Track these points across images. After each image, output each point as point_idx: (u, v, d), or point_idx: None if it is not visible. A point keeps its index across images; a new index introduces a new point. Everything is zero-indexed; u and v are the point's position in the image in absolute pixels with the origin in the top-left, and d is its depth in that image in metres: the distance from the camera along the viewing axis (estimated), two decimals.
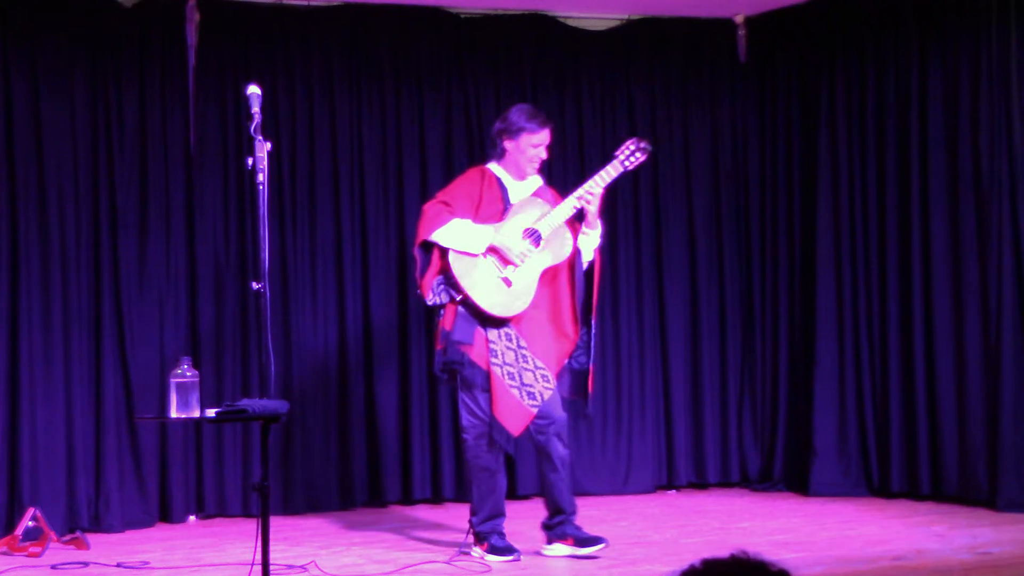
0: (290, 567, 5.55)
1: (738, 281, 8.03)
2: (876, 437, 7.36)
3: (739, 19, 8.02)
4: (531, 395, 5.57)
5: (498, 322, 5.59)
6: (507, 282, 5.60)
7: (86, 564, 5.74)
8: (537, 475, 5.95)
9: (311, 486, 7.19)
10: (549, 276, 5.70)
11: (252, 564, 4.71)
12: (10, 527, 6.24)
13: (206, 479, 7.00)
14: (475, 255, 5.57)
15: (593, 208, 5.66)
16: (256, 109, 4.80)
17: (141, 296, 6.84)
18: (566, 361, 5.75)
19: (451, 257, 5.56)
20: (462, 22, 7.60)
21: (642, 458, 7.75)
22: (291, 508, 7.09)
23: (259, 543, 4.52)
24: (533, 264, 5.63)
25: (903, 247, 7.24)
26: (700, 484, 7.88)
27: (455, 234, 5.58)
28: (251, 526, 5.63)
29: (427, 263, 5.63)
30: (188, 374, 4.73)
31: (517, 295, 5.60)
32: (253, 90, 4.86)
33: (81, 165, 6.71)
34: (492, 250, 5.59)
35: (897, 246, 7.27)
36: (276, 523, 5.63)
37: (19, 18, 6.62)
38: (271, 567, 4.59)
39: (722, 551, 2.15)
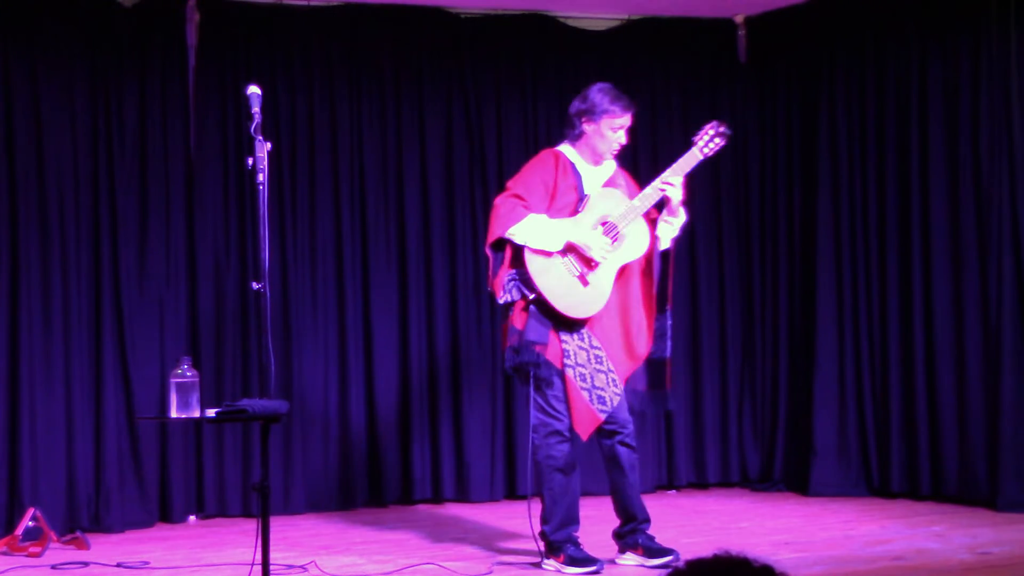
0: (290, 567, 5.55)
1: (738, 281, 8.03)
2: (876, 437, 7.36)
3: (739, 19, 8.02)
4: (601, 399, 5.37)
5: (572, 322, 5.35)
6: (583, 281, 5.34)
7: (86, 564, 5.75)
8: (605, 480, 5.69)
9: (311, 486, 7.20)
10: (623, 272, 5.45)
11: (252, 564, 4.71)
12: (10, 527, 6.24)
13: (206, 479, 7.00)
14: (552, 253, 5.33)
15: (677, 195, 5.40)
16: (256, 109, 4.79)
17: (141, 296, 6.84)
18: (642, 364, 5.51)
19: (527, 255, 5.29)
20: (462, 22, 7.60)
21: (642, 458, 7.70)
22: (291, 508, 7.09)
23: (259, 543, 4.52)
24: (610, 262, 5.37)
25: (903, 247, 7.24)
26: (700, 484, 7.88)
27: (532, 231, 5.30)
28: (251, 526, 5.64)
29: (500, 261, 5.37)
30: (188, 374, 4.73)
31: (594, 295, 5.34)
32: (253, 90, 4.85)
33: (81, 165, 6.71)
34: (570, 248, 5.33)
35: (897, 246, 7.28)
36: (276, 523, 5.63)
37: (19, 18, 6.62)
38: (271, 567, 4.59)
39: (710, 551, 2.16)
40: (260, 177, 4.69)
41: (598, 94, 5.44)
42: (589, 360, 5.37)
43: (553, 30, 7.75)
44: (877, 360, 7.37)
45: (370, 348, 7.33)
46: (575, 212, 5.39)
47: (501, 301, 5.39)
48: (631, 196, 5.48)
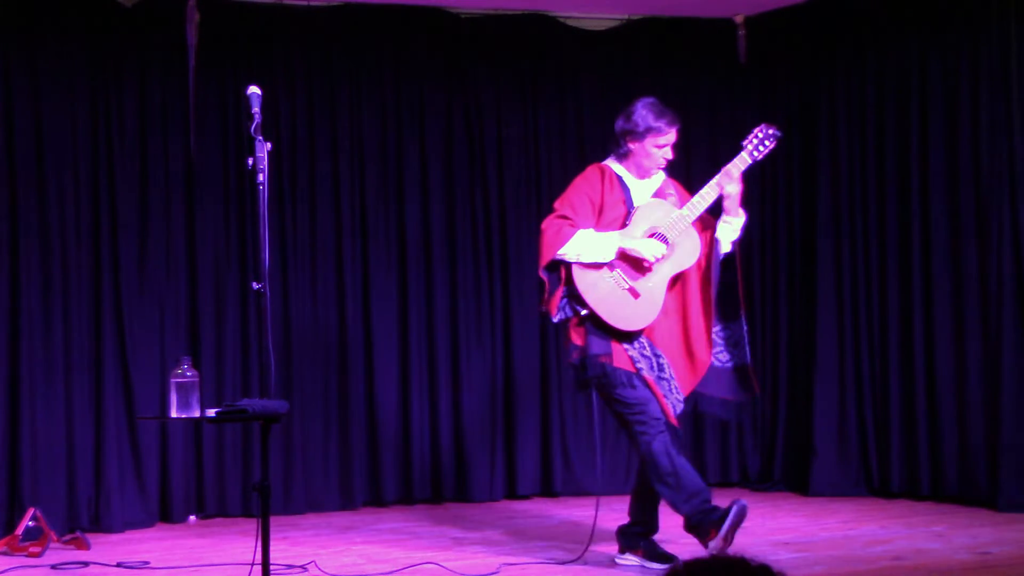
0: (290, 567, 5.55)
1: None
2: (876, 437, 7.36)
3: (739, 19, 8.02)
4: (675, 400, 5.42)
5: (629, 335, 5.33)
6: (634, 293, 5.33)
7: (86, 564, 5.75)
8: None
9: (311, 486, 7.20)
10: (679, 280, 5.45)
11: (252, 564, 4.71)
12: (10, 527, 6.24)
13: (206, 479, 7.00)
14: (602, 267, 5.30)
15: (735, 191, 5.35)
16: (256, 109, 4.78)
17: (141, 296, 6.84)
18: (704, 373, 5.47)
19: (575, 272, 5.29)
20: (462, 22, 7.60)
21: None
22: (291, 508, 7.09)
23: (259, 543, 4.52)
24: (660, 271, 5.36)
25: (903, 247, 7.24)
26: None
27: (582, 247, 5.29)
28: (251, 526, 5.64)
29: (556, 281, 5.34)
30: (188, 374, 4.72)
31: (645, 306, 5.33)
32: (253, 90, 4.84)
33: (81, 165, 6.71)
34: (621, 256, 5.31)
35: (897, 246, 7.28)
36: (276, 523, 5.62)
37: (19, 18, 6.62)
38: (271, 567, 4.59)
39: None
40: (260, 177, 4.69)
41: (642, 112, 5.40)
42: (652, 368, 5.38)
43: (553, 30, 7.75)
44: (877, 360, 7.37)
45: (370, 348, 7.33)
46: (624, 226, 5.38)
47: (556, 320, 5.37)
48: (681, 205, 5.45)
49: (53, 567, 5.69)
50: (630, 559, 5.53)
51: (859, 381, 7.44)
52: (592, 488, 7.50)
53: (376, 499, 7.34)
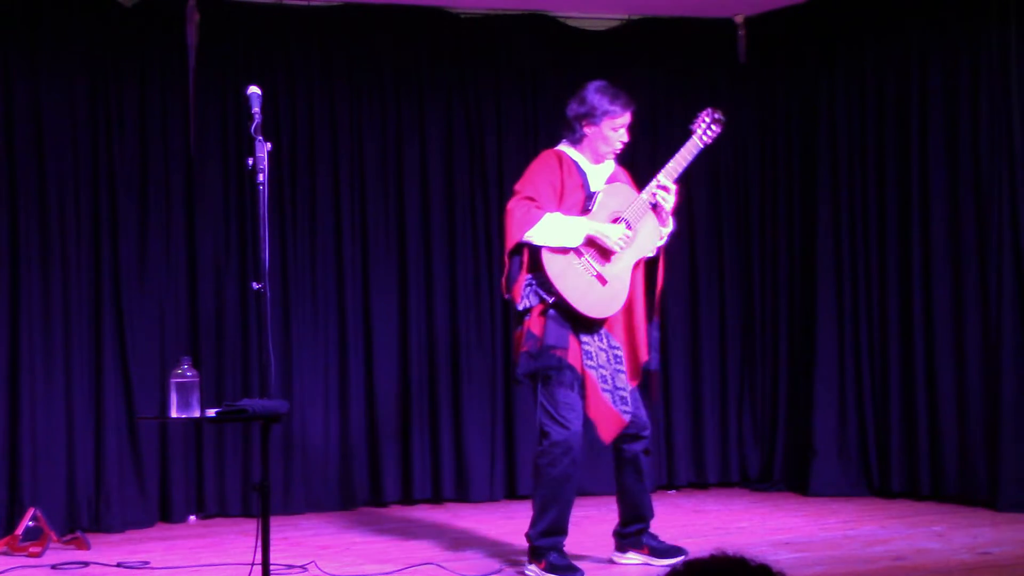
0: (290, 567, 5.55)
1: (738, 281, 8.03)
2: (876, 437, 7.36)
3: (739, 19, 8.02)
4: (623, 400, 5.32)
5: (591, 323, 5.27)
6: (601, 280, 5.24)
7: (86, 564, 5.75)
8: (611, 480, 5.60)
9: (311, 486, 7.20)
10: (636, 269, 5.39)
11: (252, 564, 4.71)
12: (10, 527, 6.24)
13: (206, 479, 7.00)
14: (569, 251, 5.19)
15: (670, 202, 5.34)
16: (256, 109, 4.78)
17: (141, 296, 6.84)
18: (645, 359, 5.44)
19: (545, 257, 5.18)
20: (462, 22, 7.60)
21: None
22: (291, 508, 7.09)
23: (259, 543, 4.52)
24: (624, 258, 5.29)
25: (903, 247, 7.24)
26: (700, 484, 7.88)
27: (550, 230, 5.18)
28: (251, 526, 5.64)
29: (518, 266, 5.24)
30: (188, 374, 4.73)
31: (612, 293, 5.26)
32: (253, 90, 4.84)
33: (81, 165, 6.71)
34: (589, 242, 5.23)
35: (897, 246, 7.28)
36: (276, 523, 5.63)
37: (19, 18, 6.62)
38: (271, 567, 4.59)
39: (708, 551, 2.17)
40: (260, 177, 4.69)
41: (596, 95, 5.38)
42: (609, 360, 5.34)
43: (553, 30, 7.75)
44: (877, 360, 7.37)
45: (370, 348, 7.33)
46: (584, 211, 5.32)
47: (521, 308, 5.25)
48: (637, 191, 5.44)
49: (53, 567, 5.69)
50: (633, 557, 5.52)
51: (859, 381, 7.44)
52: (594, 487, 7.51)
53: (376, 499, 7.34)
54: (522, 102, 7.69)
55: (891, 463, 7.26)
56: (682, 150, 5.44)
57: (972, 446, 6.88)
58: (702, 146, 5.47)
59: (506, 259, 5.28)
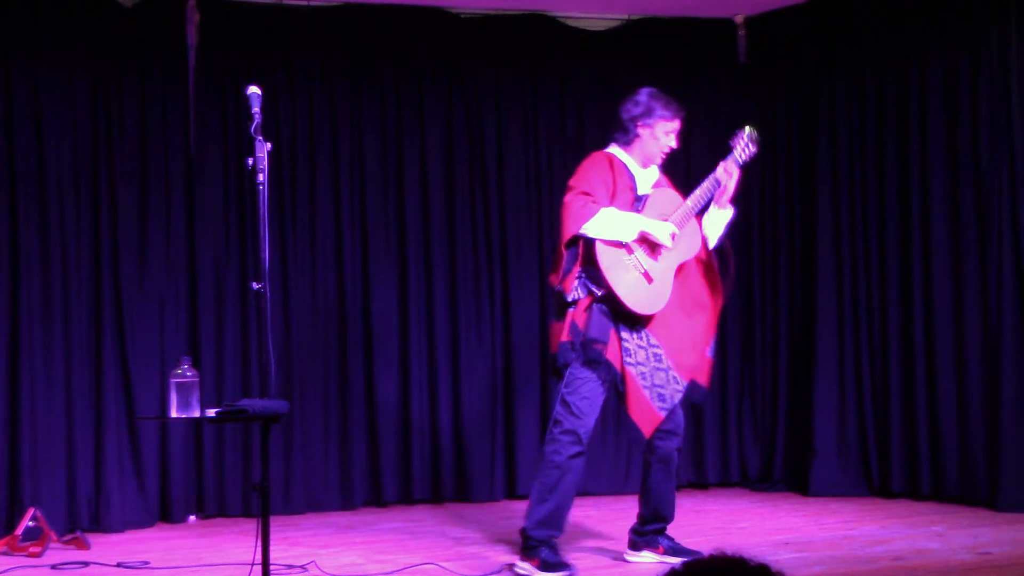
0: (290, 567, 5.55)
1: (738, 281, 8.02)
2: (876, 437, 7.36)
3: (739, 19, 8.02)
4: (661, 397, 5.37)
5: (634, 320, 5.34)
6: (648, 278, 5.32)
7: (86, 564, 5.74)
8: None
9: (311, 486, 7.20)
10: (681, 271, 5.47)
11: (252, 564, 4.71)
12: (10, 527, 6.24)
13: (206, 479, 7.00)
14: (621, 247, 5.28)
15: (731, 185, 5.47)
16: (256, 109, 4.78)
17: (141, 296, 6.85)
18: (710, 358, 5.53)
19: (599, 249, 5.25)
20: (462, 22, 7.60)
21: (642, 458, 7.73)
22: (291, 508, 7.09)
23: (259, 543, 4.52)
24: (668, 259, 5.39)
25: (903, 247, 7.24)
26: (700, 484, 7.88)
27: (606, 224, 5.26)
28: (251, 526, 5.64)
29: (573, 258, 5.31)
30: (188, 374, 4.73)
31: (658, 292, 5.34)
32: (253, 90, 4.84)
33: (81, 165, 6.71)
34: (641, 239, 5.31)
35: (897, 246, 7.28)
36: (276, 523, 5.62)
37: (19, 18, 6.62)
38: (271, 567, 4.59)
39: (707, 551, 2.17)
40: (260, 177, 4.68)
41: (653, 99, 5.49)
42: (648, 359, 5.38)
43: (553, 30, 7.75)
44: (877, 360, 7.37)
45: (370, 347, 7.33)
46: (633, 211, 5.40)
47: (570, 299, 5.31)
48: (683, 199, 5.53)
49: (53, 567, 5.69)
50: (647, 556, 5.52)
51: (859, 381, 7.44)
52: (594, 487, 7.51)
53: (376, 499, 7.34)
54: (522, 102, 7.69)
55: (891, 463, 7.26)
56: (720, 167, 5.53)
57: (972, 446, 6.88)
58: (741, 162, 5.57)
59: (563, 250, 5.34)
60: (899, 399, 7.25)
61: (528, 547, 5.29)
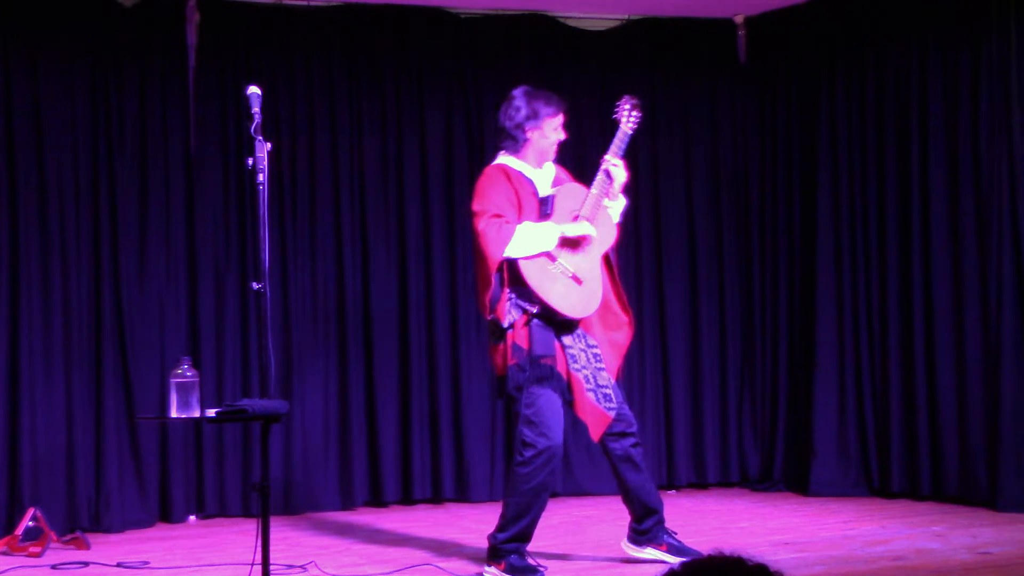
0: (290, 567, 5.54)
1: (738, 281, 8.03)
2: (876, 437, 7.36)
3: (739, 19, 8.02)
4: (607, 397, 5.35)
5: (571, 324, 5.32)
6: (577, 280, 5.29)
7: (86, 564, 5.74)
8: (612, 479, 5.58)
9: (311, 486, 7.20)
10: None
11: (252, 564, 4.71)
12: (10, 527, 6.24)
13: (206, 479, 7.00)
14: (546, 256, 5.23)
15: (621, 177, 5.42)
16: (256, 109, 4.78)
17: (141, 296, 6.85)
18: (626, 348, 5.52)
19: (523, 267, 5.21)
20: (462, 22, 7.60)
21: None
22: (291, 508, 7.09)
23: (259, 543, 4.52)
24: (591, 254, 5.35)
25: (903, 247, 7.24)
26: (700, 484, 7.88)
27: (527, 241, 5.23)
28: (251, 526, 5.63)
29: (500, 283, 5.23)
30: (188, 374, 4.73)
31: (591, 292, 5.33)
32: (253, 90, 4.84)
33: (81, 165, 6.71)
34: (564, 241, 5.28)
35: (897, 246, 7.28)
36: (276, 523, 5.63)
37: (19, 18, 6.62)
38: (271, 567, 4.59)
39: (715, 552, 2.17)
40: (260, 177, 4.69)
41: (532, 99, 5.42)
42: (589, 360, 5.37)
43: (553, 30, 7.75)
44: (877, 360, 7.37)
45: (370, 347, 7.33)
46: (542, 216, 5.37)
47: (506, 324, 5.24)
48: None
49: (53, 567, 5.69)
50: (651, 552, 5.49)
51: (859, 381, 7.44)
52: (594, 487, 7.51)
53: (376, 499, 7.34)
54: None
55: (891, 463, 7.26)
56: (614, 142, 5.49)
57: (972, 446, 6.88)
58: (630, 133, 5.53)
59: (491, 279, 5.25)
60: (899, 399, 7.24)
61: (496, 554, 5.29)
